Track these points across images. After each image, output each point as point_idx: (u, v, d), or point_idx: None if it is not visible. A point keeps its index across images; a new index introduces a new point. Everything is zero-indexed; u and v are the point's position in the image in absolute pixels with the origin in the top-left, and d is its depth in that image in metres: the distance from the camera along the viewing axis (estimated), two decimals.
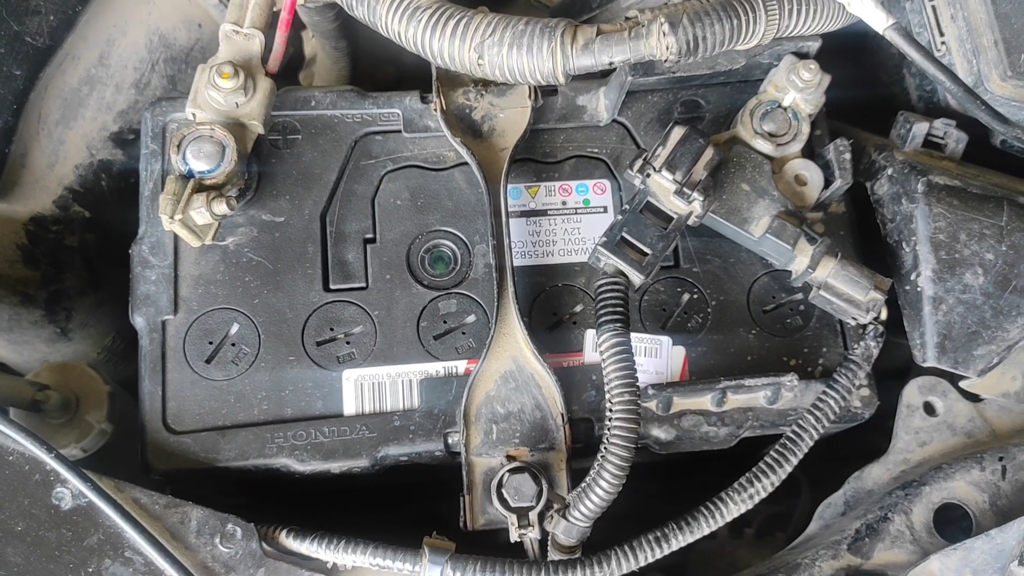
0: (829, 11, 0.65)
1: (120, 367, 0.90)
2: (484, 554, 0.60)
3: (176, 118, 0.71)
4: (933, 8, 0.72)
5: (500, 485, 0.62)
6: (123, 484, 0.61)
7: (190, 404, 0.66)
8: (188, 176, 0.64)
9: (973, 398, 0.70)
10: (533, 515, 0.61)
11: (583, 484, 0.61)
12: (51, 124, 0.77)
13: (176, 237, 0.69)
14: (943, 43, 0.71)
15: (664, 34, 0.59)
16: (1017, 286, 0.66)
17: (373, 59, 0.98)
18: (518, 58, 0.61)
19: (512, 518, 0.61)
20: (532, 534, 0.62)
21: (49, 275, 0.83)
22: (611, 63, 0.61)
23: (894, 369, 0.77)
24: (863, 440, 0.74)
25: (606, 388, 0.61)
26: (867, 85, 0.85)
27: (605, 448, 0.59)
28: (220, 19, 0.84)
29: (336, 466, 0.65)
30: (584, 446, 0.67)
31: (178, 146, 0.64)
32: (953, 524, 0.65)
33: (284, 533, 0.62)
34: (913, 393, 0.70)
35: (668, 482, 0.81)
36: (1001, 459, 0.66)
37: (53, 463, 0.61)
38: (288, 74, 0.82)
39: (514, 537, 0.62)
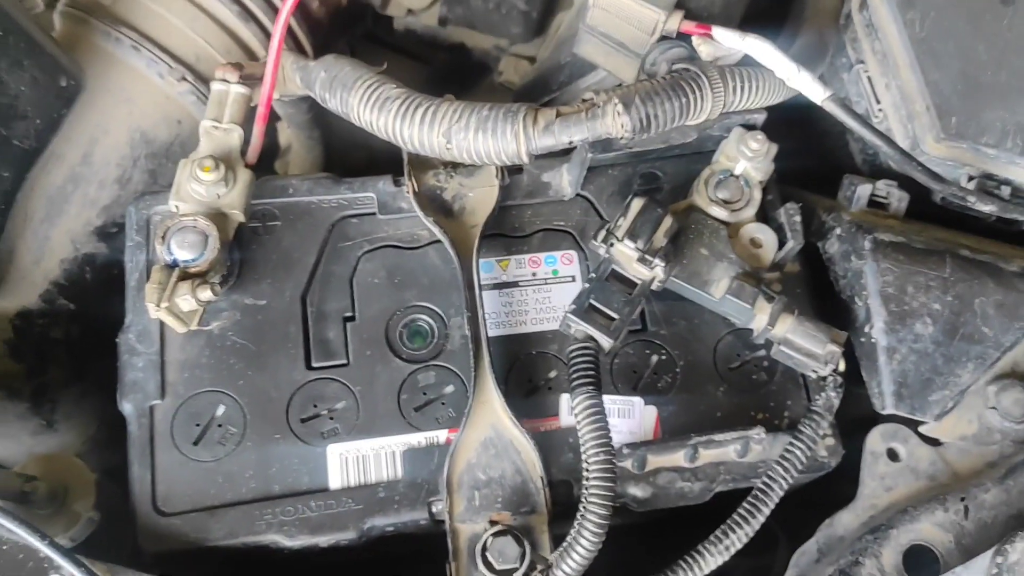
0: (770, 86, 0.69)
1: (105, 456, 0.91)
2: None
3: (159, 211, 0.74)
4: (869, 79, 0.77)
5: (484, 549, 0.64)
6: (115, 568, 0.62)
7: (179, 486, 0.67)
8: (173, 265, 0.66)
9: (933, 442, 0.72)
10: None
11: (564, 544, 0.62)
12: (37, 221, 0.79)
13: (162, 324, 0.71)
14: (880, 110, 0.76)
15: (618, 114, 0.64)
16: (964, 333, 0.70)
17: (344, 145, 1.02)
18: (484, 141, 0.65)
19: None
20: None
21: (35, 368, 0.85)
22: (571, 142, 0.65)
23: (860, 418, 0.79)
24: (833, 489, 0.76)
25: (582, 449, 0.63)
26: (815, 152, 0.90)
27: (584, 507, 0.61)
28: (198, 115, 0.87)
29: (324, 540, 0.67)
30: (564, 508, 0.69)
31: (163, 237, 0.67)
32: (921, 565, 0.68)
33: None
34: (876, 440, 0.72)
35: (649, 542, 0.83)
36: (963, 499, 0.69)
37: (47, 550, 0.61)
38: (264, 162, 0.85)
39: None
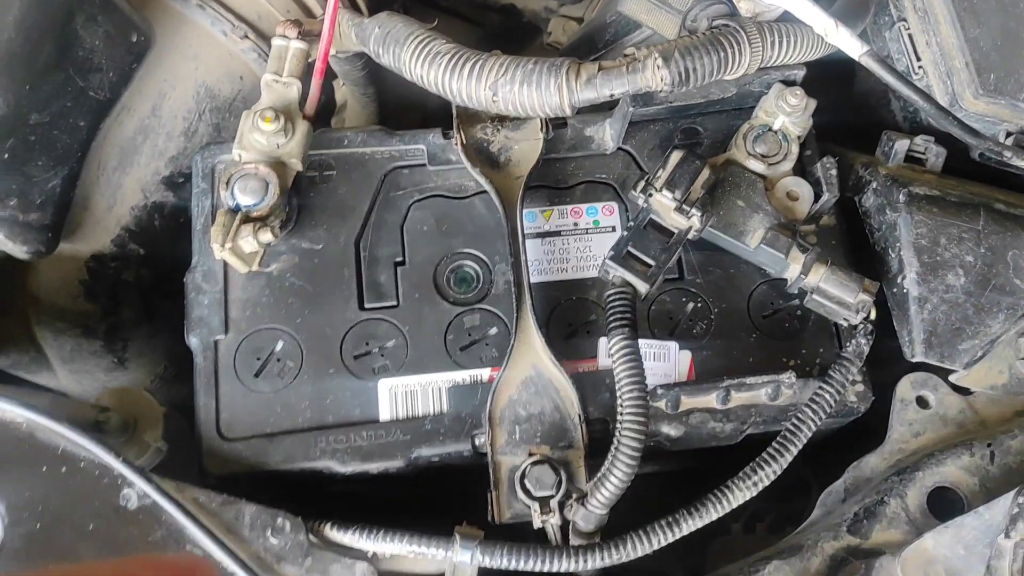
0: (808, 42, 0.71)
1: (171, 392, 0.97)
2: None
3: (223, 159, 0.79)
4: (909, 36, 0.78)
5: (523, 477, 0.68)
6: (183, 485, 0.67)
7: (241, 414, 0.72)
8: (236, 210, 0.71)
9: (963, 391, 0.74)
10: (554, 503, 0.67)
11: (599, 474, 0.66)
12: (110, 170, 0.85)
13: (225, 265, 0.76)
14: (920, 67, 0.77)
15: (658, 67, 0.66)
16: (996, 285, 0.71)
17: (399, 105, 1.06)
18: (528, 94, 0.68)
19: (535, 506, 0.67)
20: (553, 520, 0.67)
21: (108, 308, 0.91)
22: (612, 95, 0.68)
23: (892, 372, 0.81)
24: (863, 440, 0.78)
25: (617, 386, 0.66)
26: (859, 111, 0.91)
27: (618, 437, 0.65)
28: (259, 72, 0.92)
29: (374, 467, 0.71)
30: (600, 445, 0.72)
31: (227, 183, 0.71)
32: (946, 506, 0.70)
33: (328, 526, 0.68)
34: (906, 388, 0.74)
35: (681, 487, 0.86)
36: (989, 445, 0.71)
37: (120, 467, 0.67)
38: (322, 118, 0.89)
39: (537, 524, 0.67)
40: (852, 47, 0.70)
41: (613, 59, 0.74)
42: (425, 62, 0.70)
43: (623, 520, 0.69)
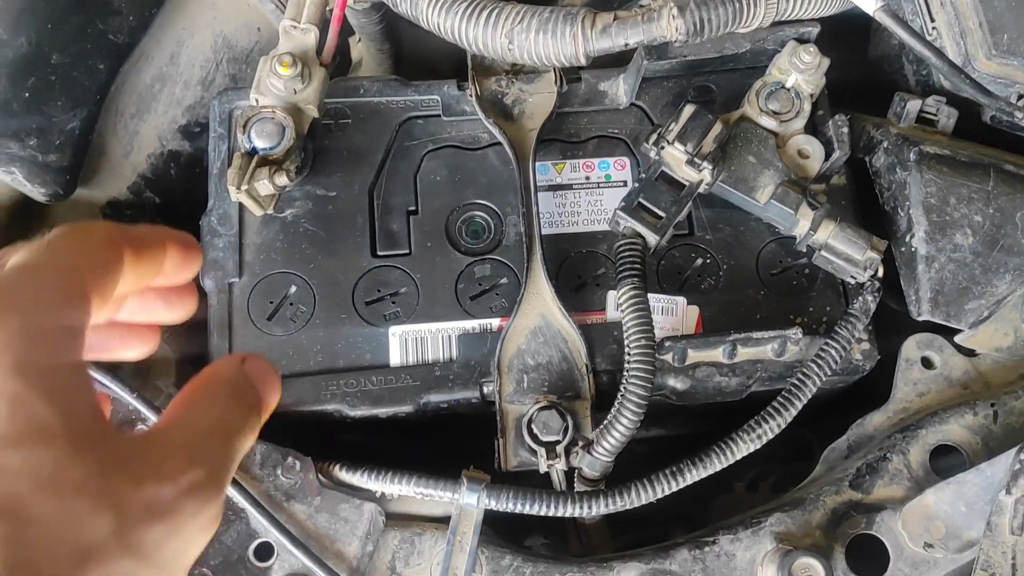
0: None
1: (183, 343, 0.98)
2: None
3: (240, 105, 0.79)
4: None
5: (530, 422, 0.69)
6: None
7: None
8: (252, 153, 0.72)
9: (968, 353, 0.75)
10: (560, 448, 0.68)
11: (604, 422, 0.67)
12: (127, 117, 0.85)
13: (241, 209, 0.77)
14: (934, 27, 0.77)
15: (673, 17, 0.67)
16: (1004, 245, 0.72)
17: (413, 67, 1.06)
18: (544, 42, 0.69)
19: (541, 451, 0.68)
20: (559, 465, 0.68)
21: None
22: (627, 44, 0.69)
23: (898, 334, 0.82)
24: (867, 401, 0.79)
25: (624, 335, 0.67)
26: (874, 75, 0.91)
27: (625, 386, 0.66)
28: (277, 23, 0.92)
29: (383, 411, 0.72)
30: (606, 396, 0.73)
31: (244, 126, 0.72)
32: (948, 463, 0.71)
33: (337, 467, 0.69)
34: (911, 348, 0.75)
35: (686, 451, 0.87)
36: (993, 405, 0.71)
37: (136, 403, 0.68)
38: (337, 73, 0.90)
39: (543, 468, 0.68)
40: (866, 2, 0.70)
41: (628, 9, 0.75)
42: (442, 10, 0.71)
43: (626, 468, 0.70)
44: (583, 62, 0.69)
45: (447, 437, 0.82)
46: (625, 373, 0.66)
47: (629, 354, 0.66)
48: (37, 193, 0.80)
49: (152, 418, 0.68)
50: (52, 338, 0.43)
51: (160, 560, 0.43)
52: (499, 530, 0.72)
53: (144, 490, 0.43)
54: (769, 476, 0.91)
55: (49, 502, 0.40)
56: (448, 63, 1.05)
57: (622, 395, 0.66)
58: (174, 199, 0.91)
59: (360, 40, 0.99)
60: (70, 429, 0.42)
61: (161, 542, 0.43)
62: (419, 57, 1.04)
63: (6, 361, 0.41)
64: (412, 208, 0.78)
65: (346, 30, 0.96)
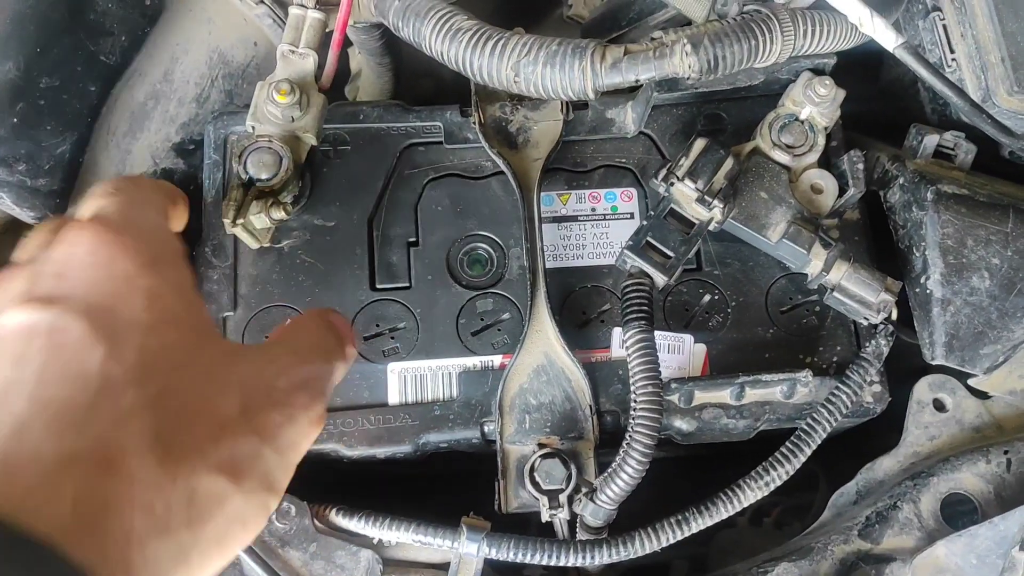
0: (842, 31, 0.69)
1: None
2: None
3: (236, 130, 0.77)
4: (944, 27, 0.76)
5: (532, 470, 0.67)
6: None
7: None
8: (248, 184, 0.69)
9: (981, 395, 0.73)
10: (563, 497, 0.66)
11: (609, 469, 0.65)
12: (119, 135, 0.83)
13: (236, 240, 0.74)
14: (953, 60, 0.75)
15: (687, 54, 0.64)
16: (1022, 289, 0.70)
17: (413, 74, 1.04)
18: (552, 76, 0.66)
19: (543, 500, 0.66)
20: (562, 515, 0.66)
21: None
22: (637, 80, 0.66)
23: (910, 370, 0.80)
24: (877, 440, 0.77)
25: (631, 379, 0.65)
26: (886, 101, 0.89)
27: (630, 435, 0.64)
28: (274, 38, 0.89)
29: (381, 451, 0.70)
30: (611, 437, 0.72)
31: (239, 156, 0.70)
32: (960, 514, 0.69)
33: (334, 512, 0.67)
34: (924, 390, 0.73)
35: (692, 476, 0.86)
36: (1006, 452, 0.70)
37: None
38: (335, 87, 0.87)
39: (545, 517, 0.67)
40: (887, 38, 0.68)
41: (636, 38, 0.72)
42: (446, 38, 0.68)
43: (630, 505, 0.68)
44: (592, 97, 0.67)
45: (446, 474, 0.80)
46: (631, 421, 0.64)
47: (635, 401, 0.65)
48: (26, 216, 0.78)
49: None
50: (171, 245, 0.53)
51: (279, 444, 0.49)
52: (497, 567, 0.71)
53: (264, 377, 0.50)
54: (772, 511, 0.90)
55: (185, 380, 0.46)
56: (450, 76, 1.03)
57: (627, 443, 0.64)
58: None
59: (359, 52, 0.97)
60: (197, 321, 0.50)
61: (281, 426, 0.49)
62: (419, 69, 1.02)
63: (142, 259, 0.48)
64: (412, 239, 0.75)
65: (345, 41, 0.93)
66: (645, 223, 0.69)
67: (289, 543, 0.66)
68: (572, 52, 0.66)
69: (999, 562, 0.62)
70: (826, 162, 0.75)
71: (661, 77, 0.66)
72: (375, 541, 0.67)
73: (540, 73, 0.66)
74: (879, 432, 0.77)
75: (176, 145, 0.87)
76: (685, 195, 0.69)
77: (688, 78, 0.66)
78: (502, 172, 0.76)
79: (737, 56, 0.65)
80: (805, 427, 0.68)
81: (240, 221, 0.68)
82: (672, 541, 0.66)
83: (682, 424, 0.71)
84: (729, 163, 0.69)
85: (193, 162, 0.89)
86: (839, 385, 0.69)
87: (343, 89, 1.02)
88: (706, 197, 0.68)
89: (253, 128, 0.71)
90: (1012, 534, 0.62)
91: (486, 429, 0.71)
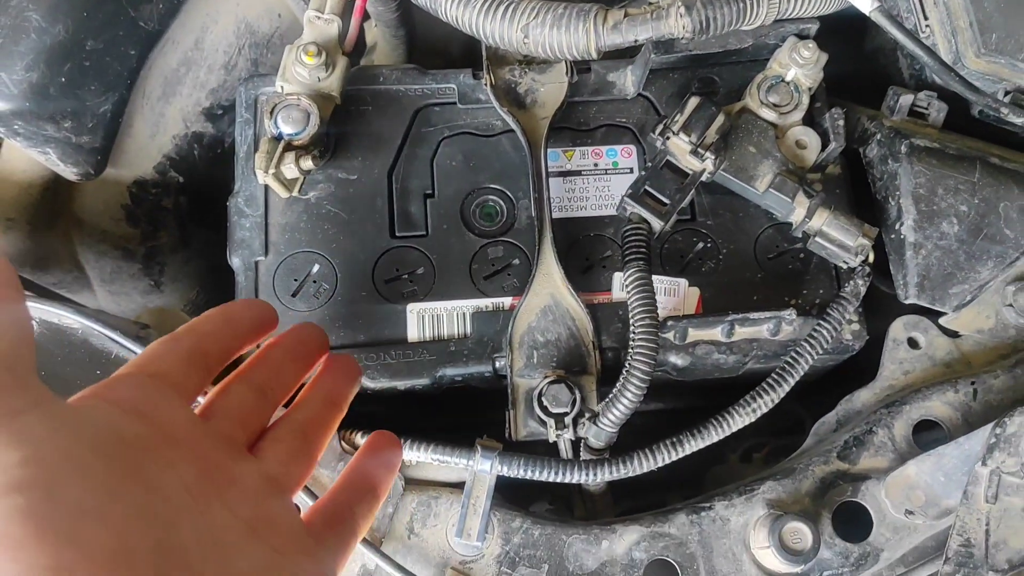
0: None
1: None
2: None
3: (266, 91, 0.83)
4: None
5: (540, 395, 0.73)
6: None
7: (278, 330, 0.77)
8: (279, 138, 0.75)
9: (952, 334, 0.79)
10: (568, 419, 0.73)
11: (610, 395, 0.71)
12: (154, 99, 0.89)
13: (266, 191, 0.80)
14: (927, 26, 0.81)
15: (681, 15, 0.71)
16: (987, 234, 0.76)
17: (426, 51, 1.10)
18: (558, 37, 0.72)
19: (550, 422, 0.72)
20: (567, 435, 0.73)
21: (147, 233, 0.96)
22: (636, 40, 0.72)
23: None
24: (855, 382, 0.83)
25: (630, 315, 0.71)
26: (868, 68, 0.95)
27: (630, 363, 0.70)
28: (296, 10, 0.96)
29: (401, 384, 0.76)
30: (611, 372, 0.77)
31: (271, 112, 0.76)
32: (930, 438, 0.75)
33: (359, 435, 0.73)
34: (899, 329, 0.79)
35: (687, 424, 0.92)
36: (973, 383, 0.76)
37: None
38: (353, 58, 0.93)
39: (551, 438, 0.73)
40: (863, 3, 0.74)
41: (638, 6, 0.79)
42: (460, 3, 0.74)
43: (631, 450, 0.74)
44: (595, 56, 0.73)
45: (460, 407, 0.86)
46: (630, 350, 0.71)
47: (634, 333, 0.71)
48: (69, 172, 0.83)
49: (133, 349, 0.73)
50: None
51: None
52: (508, 496, 0.77)
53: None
54: (762, 448, 0.96)
55: None
56: (459, 47, 1.09)
57: (627, 370, 0.70)
58: (197, 179, 0.95)
59: (376, 24, 1.03)
60: None
61: None
62: (432, 41, 1.08)
63: None
64: (429, 192, 0.81)
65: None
66: (643, 173, 0.76)
67: (320, 461, 0.72)
68: (577, 15, 0.72)
69: (964, 478, 0.68)
70: (810, 120, 0.81)
71: (658, 37, 0.72)
72: None
73: (547, 35, 0.73)
74: (858, 377, 0.83)
75: (205, 109, 0.93)
76: (680, 148, 0.75)
77: (683, 38, 0.72)
78: (511, 130, 0.82)
79: (727, 17, 0.71)
80: (790, 359, 0.74)
81: (272, 171, 0.74)
82: (668, 461, 0.72)
83: (677, 359, 0.78)
84: (720, 119, 0.75)
85: (221, 126, 0.95)
86: (820, 322, 0.75)
87: (360, 62, 1.08)
88: (699, 149, 0.74)
89: (282, 88, 0.77)
90: (976, 452, 0.68)
91: (497, 364, 0.77)
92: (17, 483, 0.37)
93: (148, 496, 0.43)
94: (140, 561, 0.39)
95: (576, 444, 0.74)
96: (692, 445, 0.73)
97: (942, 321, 0.79)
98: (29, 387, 0.42)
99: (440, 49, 1.11)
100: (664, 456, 0.72)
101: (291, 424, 0.59)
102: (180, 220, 0.97)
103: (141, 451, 0.45)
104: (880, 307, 0.83)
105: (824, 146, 0.79)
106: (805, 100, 0.79)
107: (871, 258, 0.76)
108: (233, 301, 0.61)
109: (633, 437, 0.75)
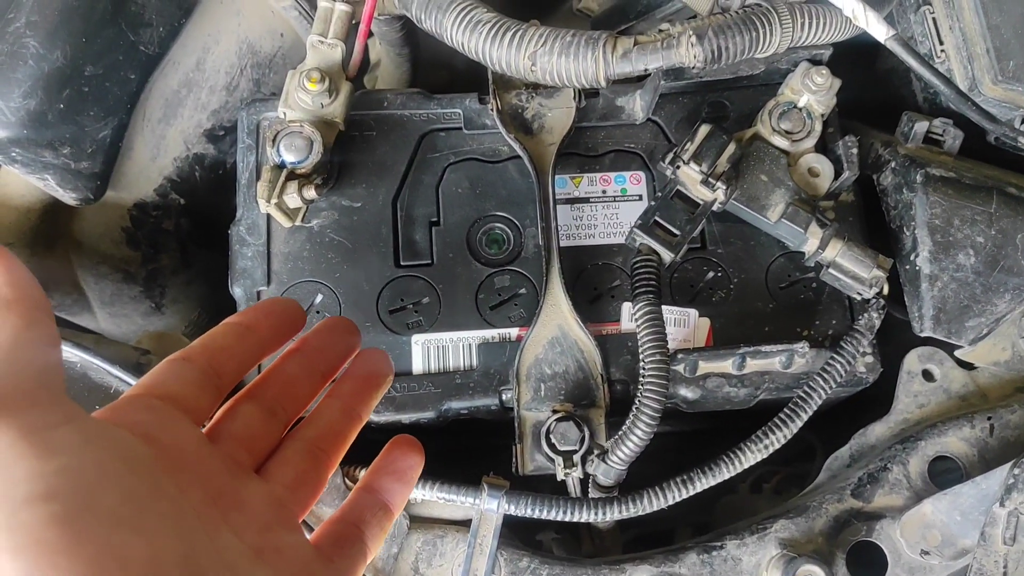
0: (837, 24, 0.73)
1: None
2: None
3: (268, 116, 0.81)
4: (934, 20, 0.80)
5: (548, 432, 0.72)
6: None
7: None
8: (281, 166, 0.74)
9: (967, 366, 0.78)
10: (576, 457, 0.71)
11: (620, 432, 0.70)
12: (154, 122, 0.87)
13: (268, 219, 0.79)
14: (942, 51, 0.80)
15: (692, 44, 0.69)
16: (1004, 266, 0.75)
17: (430, 64, 1.08)
18: (566, 65, 0.71)
19: (558, 460, 0.71)
20: (575, 474, 0.71)
21: (148, 255, 0.94)
22: (646, 69, 0.71)
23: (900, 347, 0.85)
24: (870, 411, 0.82)
25: (640, 348, 0.70)
26: (881, 90, 0.93)
27: (639, 400, 0.69)
28: (300, 30, 0.94)
29: (406, 417, 0.75)
30: (620, 405, 0.76)
31: (273, 140, 0.74)
32: (945, 474, 0.74)
33: (363, 471, 0.72)
34: (913, 361, 0.78)
35: (697, 452, 0.90)
36: (990, 419, 0.75)
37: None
38: (356, 77, 0.92)
39: (560, 476, 0.71)
40: (879, 31, 0.72)
41: (644, 30, 0.77)
42: (467, 30, 0.73)
43: (638, 477, 0.73)
44: (603, 85, 0.71)
45: (466, 439, 0.85)
46: (640, 387, 0.69)
47: (644, 368, 0.69)
48: (68, 198, 0.82)
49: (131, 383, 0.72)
50: None
51: None
52: (514, 523, 0.75)
53: None
54: (772, 478, 0.95)
55: None
56: (464, 61, 1.07)
57: (637, 407, 0.69)
58: (198, 201, 0.94)
59: (380, 43, 1.01)
60: None
61: None
62: (435, 59, 1.06)
63: None
64: (434, 219, 0.80)
65: None
66: (653, 203, 0.74)
67: (322, 500, 0.70)
68: (586, 43, 0.70)
69: (981, 518, 0.67)
70: (823, 147, 0.79)
71: (668, 66, 0.71)
72: None
73: (555, 62, 0.71)
74: (872, 407, 0.81)
75: (207, 131, 0.92)
76: (690, 177, 0.74)
77: (693, 67, 0.71)
78: (518, 156, 0.80)
79: (739, 47, 0.70)
80: (802, 394, 0.73)
81: (274, 201, 0.72)
82: (678, 499, 0.71)
83: (687, 392, 0.76)
84: (732, 147, 0.74)
85: (222, 148, 0.93)
86: (834, 355, 0.73)
87: (362, 79, 1.07)
88: (710, 179, 0.72)
89: (284, 114, 0.76)
90: (993, 492, 0.67)
91: (504, 397, 0.76)
92: (54, 491, 0.39)
93: (174, 509, 0.44)
94: (170, 571, 0.41)
95: (584, 480, 0.73)
96: (703, 483, 0.72)
97: (958, 353, 0.78)
98: (62, 403, 0.44)
99: (444, 62, 1.09)
100: (674, 494, 0.71)
101: (301, 443, 0.57)
102: (181, 242, 0.96)
103: (157, 472, 0.45)
104: (893, 334, 0.81)
105: (837, 174, 0.77)
106: (818, 127, 0.78)
107: (886, 290, 0.74)
108: (257, 304, 0.59)
109: (640, 461, 0.74)
